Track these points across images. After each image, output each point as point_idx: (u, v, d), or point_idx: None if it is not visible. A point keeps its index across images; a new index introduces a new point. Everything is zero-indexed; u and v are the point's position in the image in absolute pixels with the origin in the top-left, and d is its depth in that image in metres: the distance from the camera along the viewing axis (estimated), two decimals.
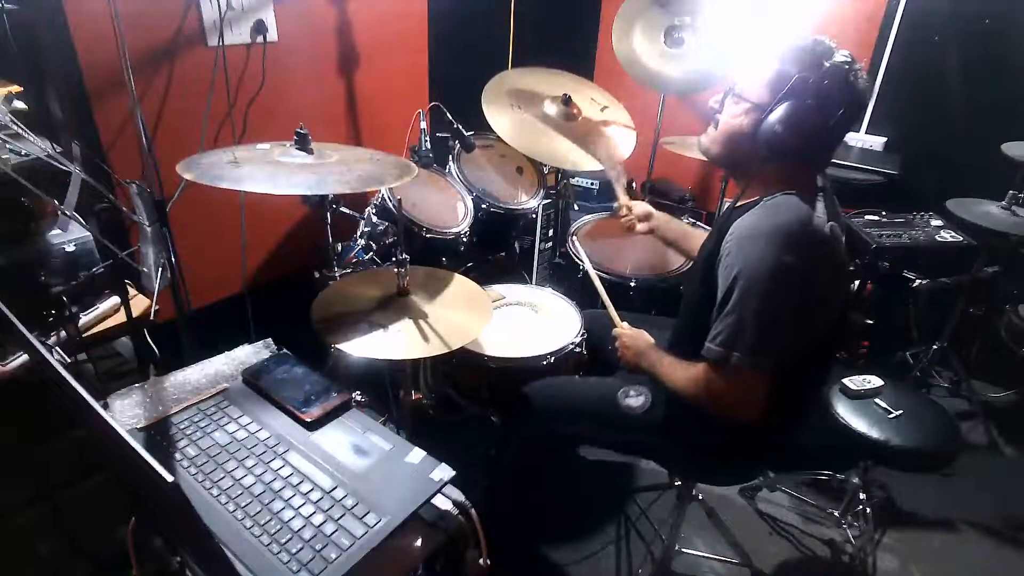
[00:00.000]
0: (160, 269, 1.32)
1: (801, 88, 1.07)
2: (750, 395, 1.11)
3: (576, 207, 2.76)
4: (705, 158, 1.29)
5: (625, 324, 1.52)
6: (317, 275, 1.68)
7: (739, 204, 1.23)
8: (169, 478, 0.57)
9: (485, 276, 1.87)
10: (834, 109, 1.07)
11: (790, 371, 1.12)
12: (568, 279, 2.14)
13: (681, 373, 1.23)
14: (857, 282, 2.41)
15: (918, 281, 2.36)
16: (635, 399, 1.36)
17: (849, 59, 1.08)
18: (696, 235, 1.63)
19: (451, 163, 2.13)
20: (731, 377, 1.11)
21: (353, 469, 1.00)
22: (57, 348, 1.29)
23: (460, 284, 1.46)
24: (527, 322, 1.79)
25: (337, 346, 1.20)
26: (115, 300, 1.46)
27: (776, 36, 1.14)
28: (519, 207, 2.17)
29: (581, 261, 1.90)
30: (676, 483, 1.75)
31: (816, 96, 1.07)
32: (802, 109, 1.08)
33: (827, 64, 1.06)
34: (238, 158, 1.24)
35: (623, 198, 1.75)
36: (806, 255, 1.05)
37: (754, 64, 1.15)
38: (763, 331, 1.07)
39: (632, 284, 1.96)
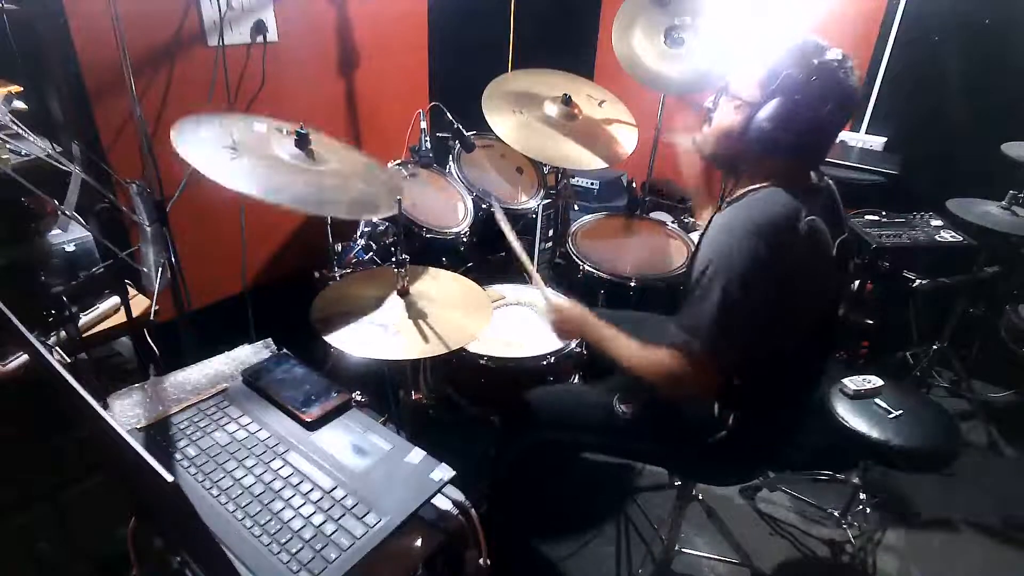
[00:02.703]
0: (160, 269, 1.32)
1: (789, 85, 1.08)
2: (707, 380, 1.13)
3: (576, 207, 2.76)
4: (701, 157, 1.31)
5: (551, 293, 1.53)
6: (317, 275, 1.68)
7: (728, 199, 1.24)
8: (169, 478, 0.57)
9: (485, 276, 1.87)
10: (822, 105, 1.08)
11: (784, 369, 1.12)
12: (568, 279, 2.14)
13: (638, 350, 1.22)
14: (857, 282, 2.41)
15: (918, 281, 2.36)
16: (631, 404, 1.37)
17: (840, 57, 1.09)
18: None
19: (451, 163, 2.13)
20: (692, 362, 1.11)
21: (353, 469, 1.00)
22: (57, 348, 1.29)
23: (460, 284, 1.46)
24: (527, 322, 1.79)
25: (337, 346, 1.20)
26: (115, 300, 1.46)
27: (772, 36, 1.15)
28: (519, 207, 2.17)
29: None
30: (676, 483, 1.75)
31: (804, 92, 1.08)
32: (790, 105, 1.09)
33: (816, 61, 1.08)
34: (236, 140, 1.22)
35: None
36: (778, 247, 1.06)
37: (746, 64, 1.17)
38: (725, 321, 1.08)
39: (632, 284, 1.95)
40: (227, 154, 1.17)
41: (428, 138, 2.14)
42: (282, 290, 2.20)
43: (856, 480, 1.85)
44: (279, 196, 1.17)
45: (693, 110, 1.29)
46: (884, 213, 2.42)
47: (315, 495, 0.95)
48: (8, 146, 1.31)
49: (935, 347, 2.39)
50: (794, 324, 1.13)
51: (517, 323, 1.78)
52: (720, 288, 1.07)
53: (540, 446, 1.48)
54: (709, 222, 1.20)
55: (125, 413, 1.11)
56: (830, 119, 1.11)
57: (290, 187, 1.21)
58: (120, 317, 1.42)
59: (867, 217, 2.41)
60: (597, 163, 1.98)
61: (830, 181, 1.23)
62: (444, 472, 1.00)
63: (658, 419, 1.34)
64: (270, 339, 1.34)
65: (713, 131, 1.23)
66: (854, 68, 1.10)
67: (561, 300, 1.48)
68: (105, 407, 1.11)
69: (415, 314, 1.30)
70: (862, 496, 1.88)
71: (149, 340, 1.51)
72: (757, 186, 1.16)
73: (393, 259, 1.32)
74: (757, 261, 1.05)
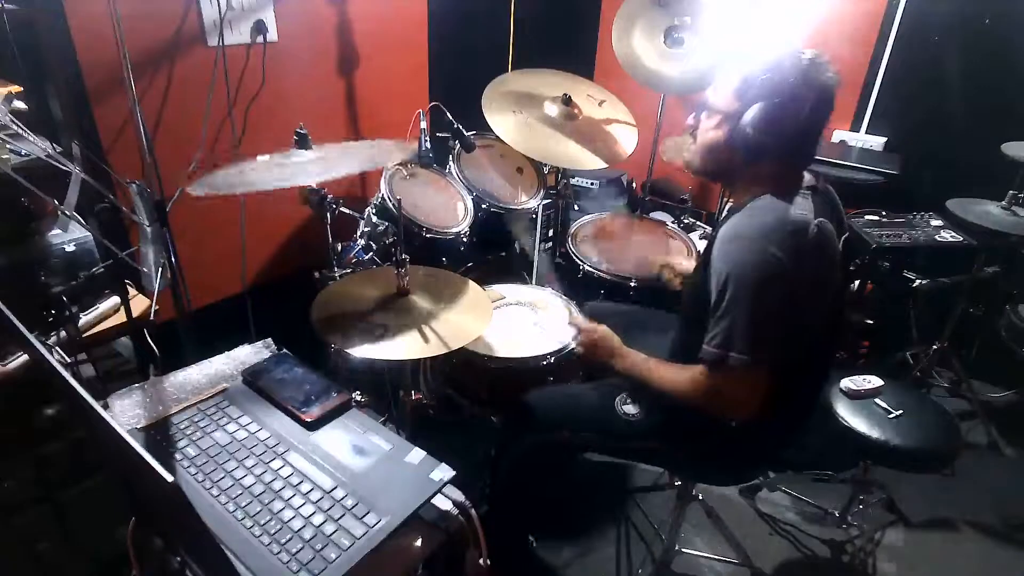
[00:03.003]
0: (160, 269, 1.32)
1: (767, 89, 1.10)
2: (750, 393, 1.12)
3: (576, 207, 2.76)
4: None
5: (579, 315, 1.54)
6: (317, 275, 1.68)
7: (731, 207, 1.24)
8: (169, 478, 0.57)
9: (485, 276, 1.87)
10: (802, 104, 1.09)
11: (787, 370, 1.13)
12: (568, 279, 2.14)
13: (674, 374, 1.24)
14: (857, 282, 2.41)
15: (918, 281, 2.36)
16: (632, 405, 1.37)
17: (813, 55, 1.10)
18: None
19: (451, 163, 2.13)
20: (730, 377, 1.12)
21: (353, 469, 1.00)
22: (57, 348, 1.29)
23: (460, 284, 1.46)
24: (527, 322, 1.79)
25: (337, 346, 1.20)
26: (115, 300, 1.46)
27: (754, 44, 1.16)
28: (519, 207, 2.17)
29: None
30: (676, 483, 1.75)
31: (782, 94, 1.09)
32: (770, 109, 1.10)
33: (789, 63, 1.09)
34: (242, 170, 1.25)
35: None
36: (790, 250, 1.06)
37: (721, 76, 1.18)
38: (757, 329, 1.08)
39: (632, 284, 1.96)
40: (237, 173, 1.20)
41: (428, 138, 2.14)
42: (282, 290, 2.21)
43: (856, 480, 1.85)
44: (292, 181, 1.21)
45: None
46: (884, 213, 2.42)
47: (315, 495, 0.95)
48: (8, 146, 1.31)
49: (935, 347, 2.39)
50: (807, 325, 1.13)
51: (517, 323, 1.78)
52: (742, 299, 1.08)
53: (540, 446, 1.48)
54: (714, 231, 1.20)
55: (125, 413, 1.11)
56: (812, 117, 1.11)
57: (300, 171, 1.25)
58: (120, 317, 1.42)
59: (867, 217, 2.41)
60: (597, 163, 1.98)
61: (827, 183, 1.24)
62: (444, 472, 1.00)
63: (659, 419, 1.34)
64: (270, 339, 1.34)
65: (698, 147, 1.24)
66: (829, 64, 1.10)
67: (593, 324, 1.49)
68: (105, 407, 1.11)
69: (415, 314, 1.30)
70: (862, 496, 1.88)
71: (149, 340, 1.51)
72: (754, 193, 1.16)
73: (393, 259, 1.32)
74: (772, 266, 1.06)
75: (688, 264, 1.77)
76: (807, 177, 1.20)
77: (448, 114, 2.02)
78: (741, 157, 1.16)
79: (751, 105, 1.11)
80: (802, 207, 1.11)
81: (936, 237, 2.29)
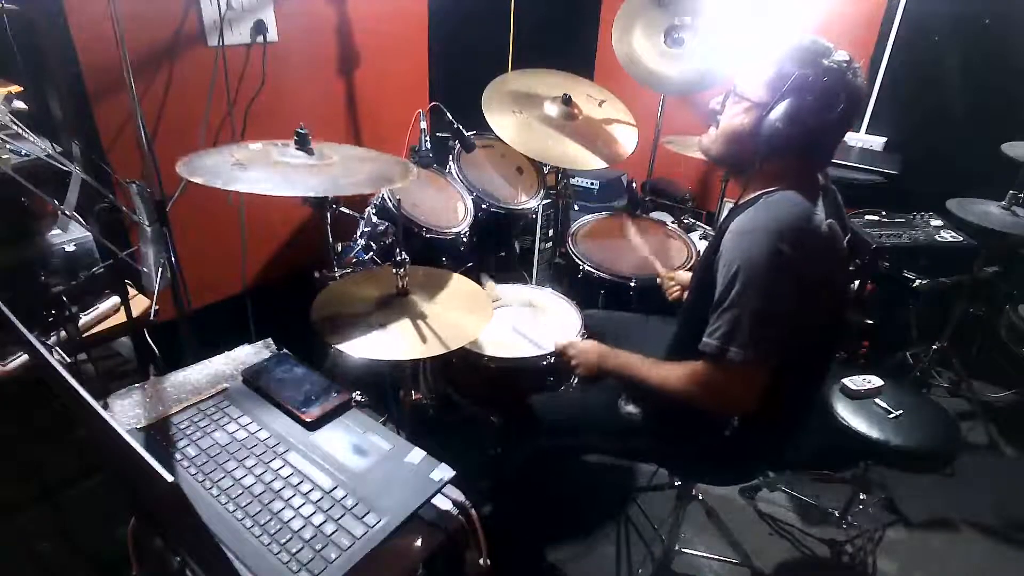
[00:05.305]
0: (160, 269, 1.32)
1: (801, 85, 1.08)
2: (748, 389, 1.11)
3: (576, 207, 2.75)
4: (706, 158, 1.30)
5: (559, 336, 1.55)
6: (317, 275, 1.68)
7: (740, 203, 1.23)
8: (169, 478, 0.57)
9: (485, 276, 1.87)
10: (834, 106, 1.09)
11: (787, 370, 1.12)
12: (568, 279, 2.14)
13: (669, 370, 1.22)
14: (857, 282, 2.41)
15: (918, 281, 2.36)
16: (634, 404, 1.37)
17: (848, 58, 1.10)
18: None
19: (451, 163, 2.13)
20: (728, 371, 1.10)
21: (353, 469, 1.00)
22: (57, 348, 1.29)
23: (460, 284, 1.46)
24: (527, 322, 1.79)
25: (337, 346, 1.20)
26: (115, 300, 1.46)
27: (776, 36, 1.15)
28: (519, 207, 2.17)
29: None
30: (676, 483, 1.75)
31: (816, 93, 1.08)
32: (802, 106, 1.09)
33: (826, 62, 1.08)
34: (240, 159, 1.24)
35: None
36: (802, 249, 1.05)
37: (754, 64, 1.17)
38: (761, 324, 1.07)
39: (632, 284, 1.95)
40: (238, 170, 1.19)
41: (428, 138, 2.15)
42: (282, 290, 2.20)
43: (856, 480, 1.85)
44: (299, 189, 1.20)
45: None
46: (884, 213, 2.42)
47: (315, 495, 0.95)
48: (8, 146, 1.31)
49: (935, 347, 2.39)
50: (811, 325, 1.13)
51: (517, 323, 1.78)
52: (749, 293, 1.07)
53: (547, 451, 1.48)
54: (720, 227, 1.20)
55: (125, 413, 1.11)
56: (840, 119, 1.11)
57: (306, 180, 1.24)
58: (120, 317, 1.42)
59: (867, 217, 2.41)
60: (597, 163, 1.98)
61: (832, 184, 1.24)
62: (444, 472, 1.00)
63: (661, 419, 1.34)
64: (270, 339, 1.34)
65: (721, 133, 1.22)
66: (860, 67, 1.10)
67: (568, 339, 1.49)
68: (105, 407, 1.11)
69: (415, 314, 1.30)
70: (862, 496, 1.88)
71: (149, 340, 1.51)
72: (769, 189, 1.15)
73: (393, 259, 1.32)
74: (783, 262, 1.05)
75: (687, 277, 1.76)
76: (818, 176, 1.20)
77: (448, 114, 2.02)
78: (762, 149, 1.14)
79: (783, 98, 1.10)
80: (817, 208, 1.11)
81: (936, 237, 2.29)
